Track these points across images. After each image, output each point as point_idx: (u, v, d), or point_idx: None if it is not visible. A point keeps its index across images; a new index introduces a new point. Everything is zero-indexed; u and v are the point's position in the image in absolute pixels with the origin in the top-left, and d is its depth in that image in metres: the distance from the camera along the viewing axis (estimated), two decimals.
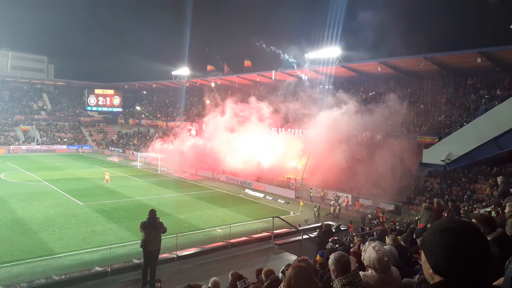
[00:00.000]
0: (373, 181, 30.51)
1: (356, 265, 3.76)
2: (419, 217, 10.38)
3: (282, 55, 42.91)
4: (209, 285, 6.64)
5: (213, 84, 55.99)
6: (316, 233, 14.94)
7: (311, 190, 34.30)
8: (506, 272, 2.60)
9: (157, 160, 49.05)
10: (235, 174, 42.11)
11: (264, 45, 43.88)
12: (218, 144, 43.62)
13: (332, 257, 3.36)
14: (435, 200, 13.78)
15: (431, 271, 1.45)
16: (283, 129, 42.47)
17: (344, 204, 30.60)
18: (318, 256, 7.16)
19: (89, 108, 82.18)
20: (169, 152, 50.10)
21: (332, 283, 3.35)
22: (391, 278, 3.29)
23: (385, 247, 4.16)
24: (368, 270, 3.33)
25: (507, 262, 2.65)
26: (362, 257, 3.40)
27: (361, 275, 3.25)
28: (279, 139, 40.67)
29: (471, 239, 1.41)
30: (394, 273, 3.37)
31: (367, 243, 3.48)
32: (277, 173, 38.48)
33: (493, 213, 9.75)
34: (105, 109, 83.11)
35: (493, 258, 2.52)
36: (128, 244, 18.87)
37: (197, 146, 48.06)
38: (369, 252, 3.27)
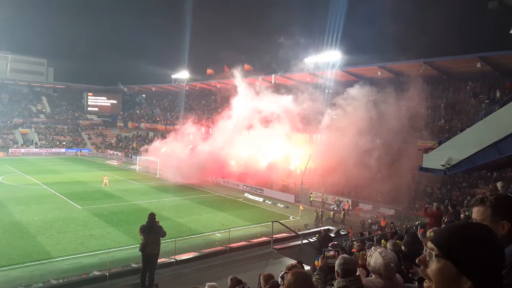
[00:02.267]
0: (373, 185, 30.48)
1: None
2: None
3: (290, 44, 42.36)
4: None
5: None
6: (316, 237, 14.89)
7: (311, 195, 34.20)
8: None
9: (156, 164, 48.74)
10: (236, 178, 41.86)
11: (281, 39, 43.13)
12: (221, 149, 42.64)
13: (337, 260, 3.43)
14: (434, 204, 13.73)
15: (467, 280, 1.37)
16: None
17: (346, 208, 30.53)
18: (316, 261, 7.11)
19: (88, 111, 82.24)
20: (168, 157, 47.02)
21: (333, 282, 3.47)
22: (396, 284, 3.26)
23: None
24: (371, 276, 3.30)
25: None
26: (367, 263, 3.38)
27: (364, 281, 3.23)
28: (283, 142, 40.18)
29: (488, 237, 1.32)
30: (399, 279, 3.34)
31: (372, 248, 3.46)
32: (279, 177, 38.38)
33: None
34: (104, 112, 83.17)
35: None
36: (126, 248, 18.80)
37: (199, 152, 46.32)
38: (375, 257, 3.24)
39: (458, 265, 1.28)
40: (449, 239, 1.32)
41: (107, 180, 38.46)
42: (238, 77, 46.28)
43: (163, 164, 47.22)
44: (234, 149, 41.57)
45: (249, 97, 44.40)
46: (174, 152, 47.13)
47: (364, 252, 4.82)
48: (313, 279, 4.12)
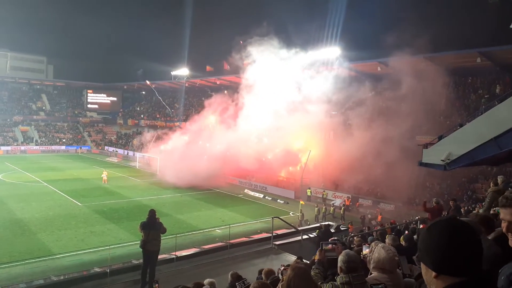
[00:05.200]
0: (373, 180, 30.48)
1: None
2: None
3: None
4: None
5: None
6: (316, 233, 14.92)
7: (308, 190, 34.17)
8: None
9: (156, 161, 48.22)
10: (237, 175, 41.37)
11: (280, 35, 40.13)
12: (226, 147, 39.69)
13: (341, 256, 3.43)
14: (434, 199, 13.75)
15: (434, 274, 1.41)
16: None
17: (346, 204, 30.54)
18: (315, 255, 7.13)
19: (88, 108, 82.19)
20: (173, 162, 40.24)
21: (336, 278, 3.49)
22: (400, 278, 3.28)
23: None
24: (372, 273, 3.30)
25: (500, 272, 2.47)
26: (368, 258, 3.38)
27: (370, 279, 3.23)
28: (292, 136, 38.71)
29: (459, 226, 1.41)
30: (399, 273, 3.36)
31: (373, 243, 3.47)
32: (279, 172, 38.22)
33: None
34: (104, 109, 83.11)
35: (496, 259, 2.43)
36: (127, 244, 18.83)
37: (209, 153, 40.83)
38: (378, 252, 3.24)
39: (423, 260, 1.46)
40: (419, 244, 1.49)
41: (106, 176, 38.44)
42: (237, 74, 45.30)
43: (166, 169, 41.41)
44: (249, 142, 38.85)
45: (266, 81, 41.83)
46: (179, 157, 40.73)
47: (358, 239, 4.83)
48: (312, 273, 4.12)
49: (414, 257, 4.90)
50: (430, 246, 1.42)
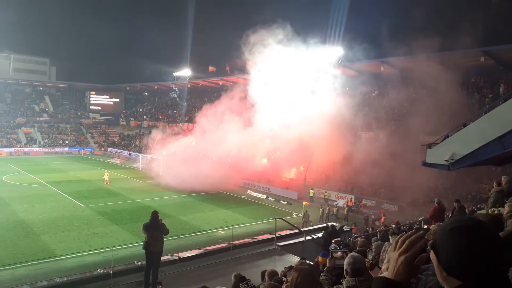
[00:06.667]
0: (376, 181, 30.37)
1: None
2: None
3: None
4: None
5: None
6: (322, 233, 14.88)
7: (311, 191, 34.10)
8: None
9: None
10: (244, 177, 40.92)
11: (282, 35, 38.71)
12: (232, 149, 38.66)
13: (347, 259, 3.38)
14: (435, 200, 13.71)
15: (444, 273, 1.36)
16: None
17: (349, 204, 30.45)
18: (320, 257, 7.09)
19: (90, 110, 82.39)
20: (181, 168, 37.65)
21: (342, 280, 3.45)
22: None
23: None
24: (382, 272, 3.25)
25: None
26: (381, 257, 3.34)
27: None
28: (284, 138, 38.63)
29: (484, 236, 1.32)
30: None
31: (386, 243, 3.43)
32: (281, 174, 38.12)
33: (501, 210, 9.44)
34: (106, 111, 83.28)
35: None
36: (130, 246, 18.83)
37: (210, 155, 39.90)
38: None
39: (436, 255, 1.40)
40: (436, 237, 1.44)
41: (107, 177, 38.51)
42: (240, 75, 44.84)
43: (169, 172, 39.26)
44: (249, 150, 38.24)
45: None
46: (184, 159, 39.10)
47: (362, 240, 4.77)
48: (320, 280, 4.08)
49: (427, 248, 4.82)
50: (447, 248, 1.35)
